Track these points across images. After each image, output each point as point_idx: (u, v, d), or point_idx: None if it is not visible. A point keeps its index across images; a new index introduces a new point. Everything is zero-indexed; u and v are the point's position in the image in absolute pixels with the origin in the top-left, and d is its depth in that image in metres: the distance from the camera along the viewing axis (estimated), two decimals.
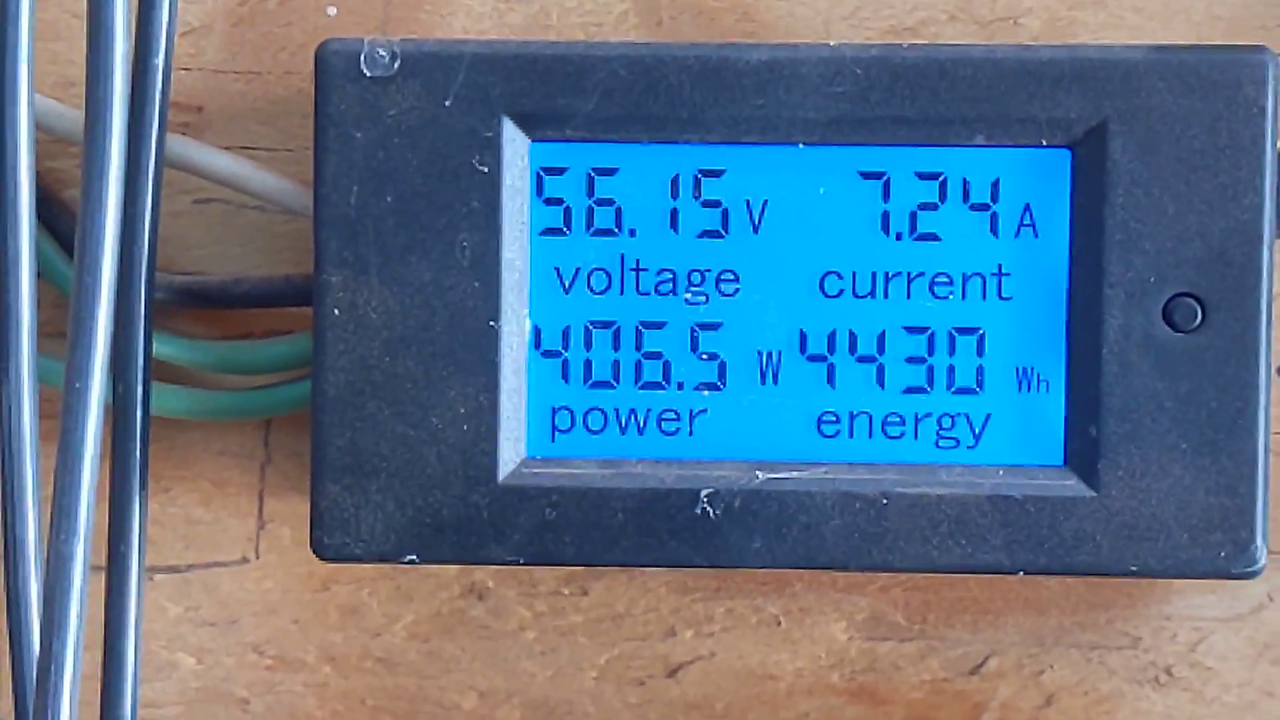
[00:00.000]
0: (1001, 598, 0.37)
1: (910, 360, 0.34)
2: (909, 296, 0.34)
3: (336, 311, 0.33)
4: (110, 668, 0.34)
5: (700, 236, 0.34)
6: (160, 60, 0.33)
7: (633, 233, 0.34)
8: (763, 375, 0.34)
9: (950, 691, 0.38)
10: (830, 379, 0.34)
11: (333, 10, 0.37)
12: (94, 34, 0.32)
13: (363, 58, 0.33)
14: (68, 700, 0.31)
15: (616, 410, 0.34)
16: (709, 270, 0.34)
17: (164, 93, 0.34)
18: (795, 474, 0.34)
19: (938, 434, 0.34)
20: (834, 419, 0.34)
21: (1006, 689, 0.38)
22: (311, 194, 0.35)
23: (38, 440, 0.34)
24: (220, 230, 0.37)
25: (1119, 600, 0.37)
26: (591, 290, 0.34)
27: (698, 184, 0.34)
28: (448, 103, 0.33)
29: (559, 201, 0.34)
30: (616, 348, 0.34)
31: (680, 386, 0.34)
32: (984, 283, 0.34)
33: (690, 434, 0.34)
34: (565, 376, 0.34)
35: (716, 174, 0.34)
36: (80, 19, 0.36)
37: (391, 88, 0.33)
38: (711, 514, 0.34)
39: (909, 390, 0.34)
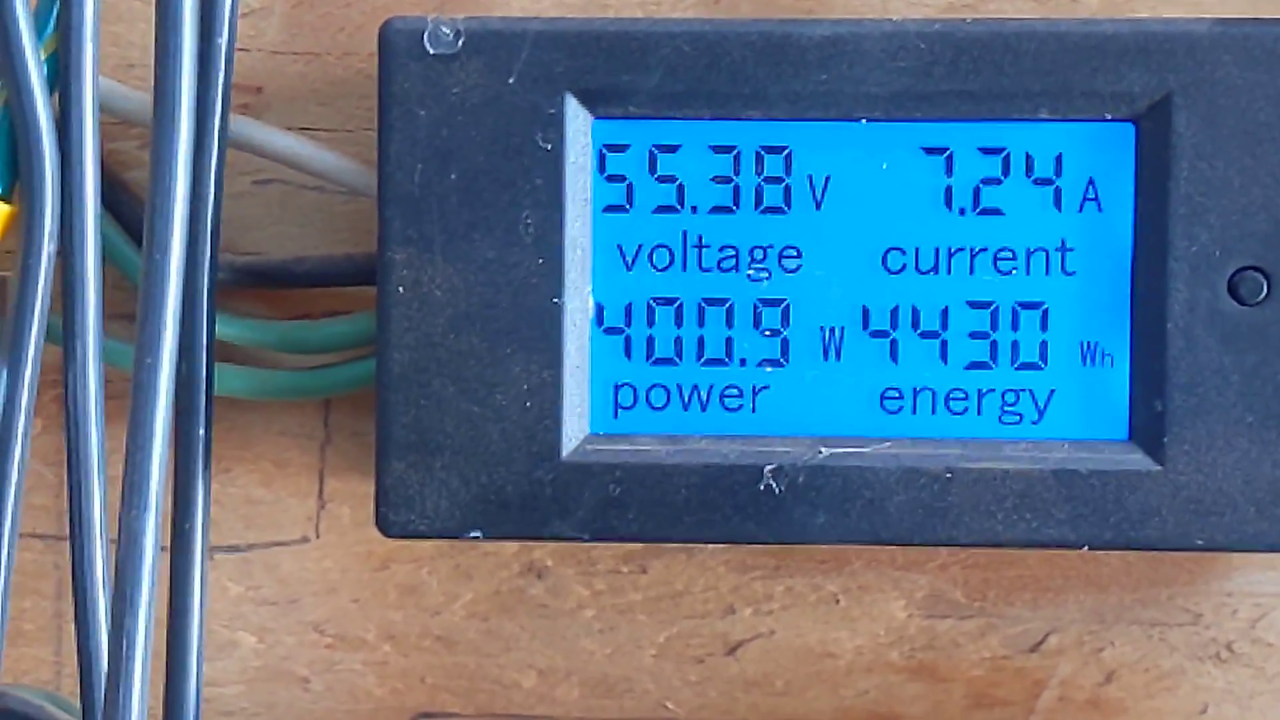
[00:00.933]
0: (1062, 574, 0.37)
1: (974, 335, 0.34)
2: (972, 272, 0.34)
3: (401, 289, 0.34)
4: (174, 646, 0.35)
5: (763, 212, 0.34)
6: (224, 40, 0.34)
7: (695, 209, 0.34)
8: (825, 351, 0.34)
9: (1010, 669, 0.38)
10: (893, 354, 0.34)
11: None
12: (162, 14, 0.32)
13: (426, 36, 0.33)
14: (139, 677, 0.32)
15: (679, 386, 0.34)
16: (771, 246, 0.34)
17: (227, 73, 0.34)
18: (859, 449, 0.34)
19: (1001, 409, 0.34)
20: (897, 394, 0.34)
21: (1067, 666, 0.38)
22: (371, 173, 0.36)
23: (103, 419, 0.34)
24: (280, 211, 0.37)
25: (1180, 577, 0.37)
26: (654, 267, 0.34)
27: (760, 160, 0.34)
28: (511, 80, 0.33)
29: (621, 178, 0.34)
30: (679, 324, 0.34)
31: (743, 363, 0.34)
32: (1048, 257, 0.34)
33: (753, 410, 0.34)
34: (628, 353, 0.34)
35: (779, 150, 0.34)
36: (140, 1, 0.37)
37: (455, 65, 0.33)
38: (775, 490, 0.34)
39: (972, 365, 0.34)
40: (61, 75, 0.33)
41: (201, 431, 0.34)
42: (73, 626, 0.35)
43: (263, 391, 0.37)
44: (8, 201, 0.34)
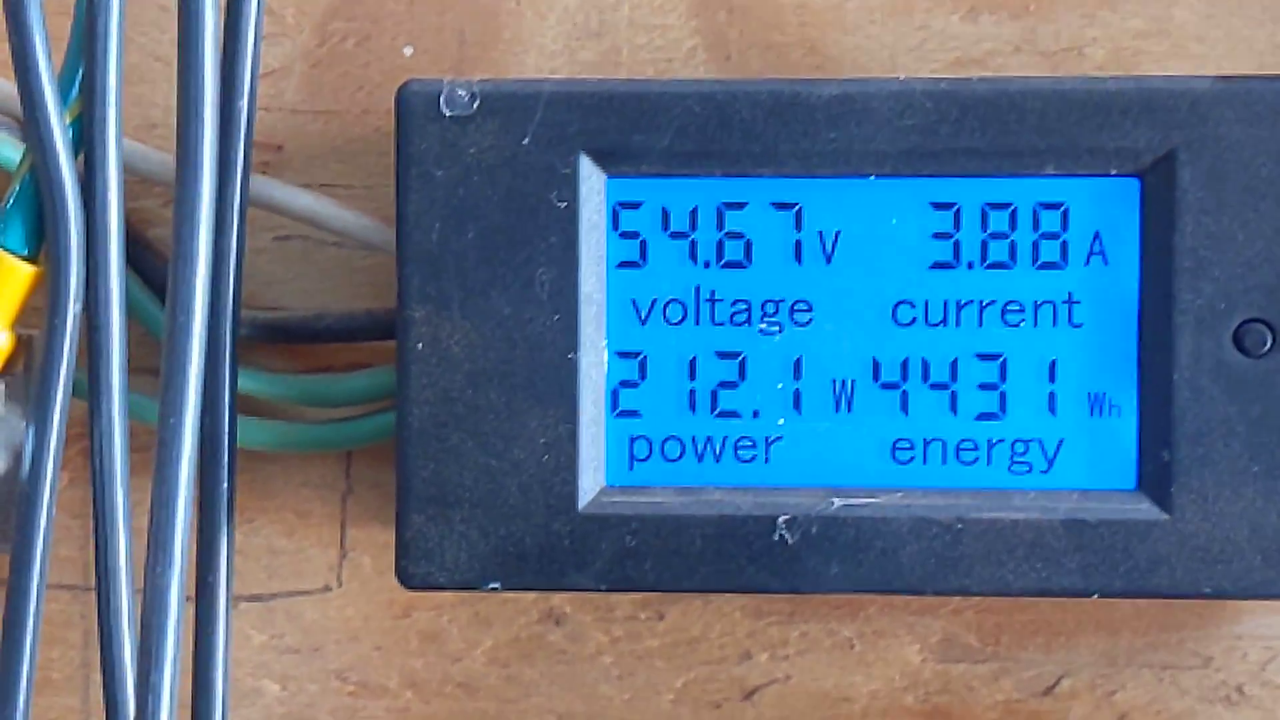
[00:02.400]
0: (1074, 619, 0.38)
1: (983, 387, 0.34)
2: (981, 324, 0.34)
3: (420, 345, 0.34)
4: (200, 696, 0.35)
5: (774, 268, 0.35)
6: (245, 102, 0.34)
7: (707, 264, 0.35)
8: (837, 403, 0.35)
9: (1024, 712, 0.38)
10: (904, 406, 0.35)
11: (409, 50, 0.38)
12: (184, 76, 0.33)
13: (442, 98, 0.34)
14: None
15: (694, 439, 0.35)
16: (783, 300, 0.35)
17: (248, 133, 0.34)
18: (870, 500, 0.34)
19: (1011, 459, 0.34)
20: (908, 445, 0.35)
21: (1080, 709, 0.38)
22: (390, 230, 0.36)
23: (128, 473, 0.35)
24: (301, 266, 0.38)
25: (1190, 621, 0.38)
26: (668, 321, 0.35)
27: (771, 216, 0.34)
28: (526, 141, 0.34)
29: (635, 235, 0.35)
30: (693, 377, 0.35)
31: (756, 415, 0.35)
32: (1055, 310, 0.34)
33: (766, 461, 0.35)
34: (643, 406, 0.35)
35: (789, 206, 0.34)
36: (162, 62, 0.37)
37: (471, 127, 0.34)
38: (788, 540, 0.34)
39: (982, 416, 0.35)
40: (86, 138, 0.34)
41: (225, 485, 0.35)
42: (99, 675, 0.35)
43: (285, 444, 0.37)
44: (34, 262, 0.35)
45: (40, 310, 0.35)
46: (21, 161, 0.35)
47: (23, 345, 0.36)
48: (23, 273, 0.35)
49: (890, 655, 0.38)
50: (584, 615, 0.38)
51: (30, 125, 0.34)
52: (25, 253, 0.35)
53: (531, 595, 0.38)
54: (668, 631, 0.38)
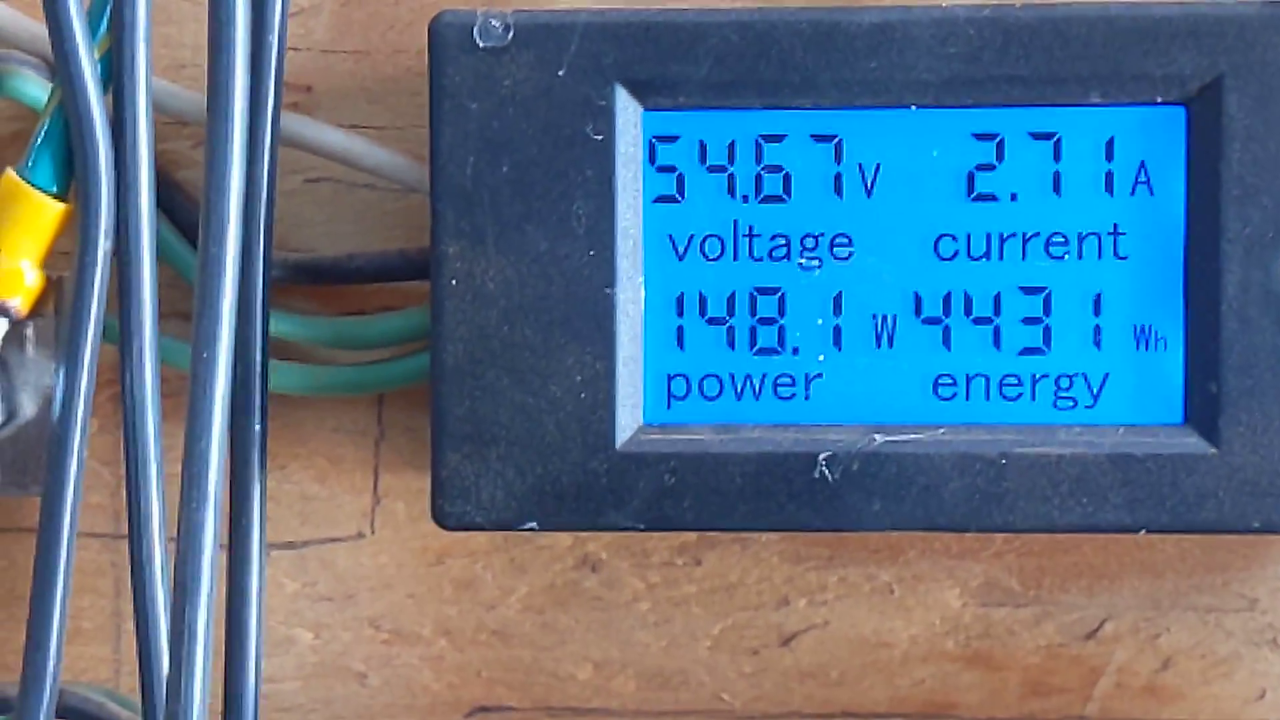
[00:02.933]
0: (1117, 561, 0.37)
1: (1026, 321, 0.34)
2: (1024, 257, 0.34)
3: (454, 282, 0.34)
4: (233, 643, 0.35)
5: (813, 201, 0.34)
6: (275, 38, 0.34)
7: (745, 199, 0.34)
8: (878, 338, 0.34)
9: (1066, 656, 0.38)
10: (946, 341, 0.34)
11: None
12: (214, 13, 0.32)
13: (476, 29, 0.34)
14: (200, 670, 0.32)
15: (732, 376, 0.34)
16: (823, 235, 0.34)
17: (278, 70, 0.34)
18: (913, 436, 0.34)
19: (1055, 394, 0.34)
20: (950, 381, 0.34)
21: (1123, 653, 0.38)
22: (422, 169, 0.36)
23: (160, 416, 0.34)
24: (331, 208, 0.38)
25: (1235, 562, 0.37)
26: (705, 257, 0.34)
27: (810, 149, 0.34)
28: (561, 72, 0.33)
29: (672, 169, 0.34)
30: (731, 314, 0.34)
31: (795, 351, 0.34)
32: (1100, 242, 0.34)
33: (806, 398, 0.34)
34: (681, 343, 0.34)
35: (829, 138, 0.34)
36: (191, 2, 0.37)
37: (505, 58, 0.34)
38: (830, 477, 0.34)
39: (1025, 351, 0.34)
40: (115, 75, 0.34)
41: (257, 428, 0.35)
42: (130, 625, 0.35)
43: (317, 388, 0.37)
44: (63, 200, 0.34)
45: (70, 254, 0.34)
46: (50, 98, 0.34)
47: (52, 287, 0.36)
48: (52, 210, 0.34)
49: (930, 600, 0.38)
50: (620, 561, 0.38)
51: (59, 60, 0.33)
52: (54, 190, 0.34)
53: (567, 541, 0.38)
54: (705, 577, 0.38)
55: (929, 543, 0.37)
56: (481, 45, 0.34)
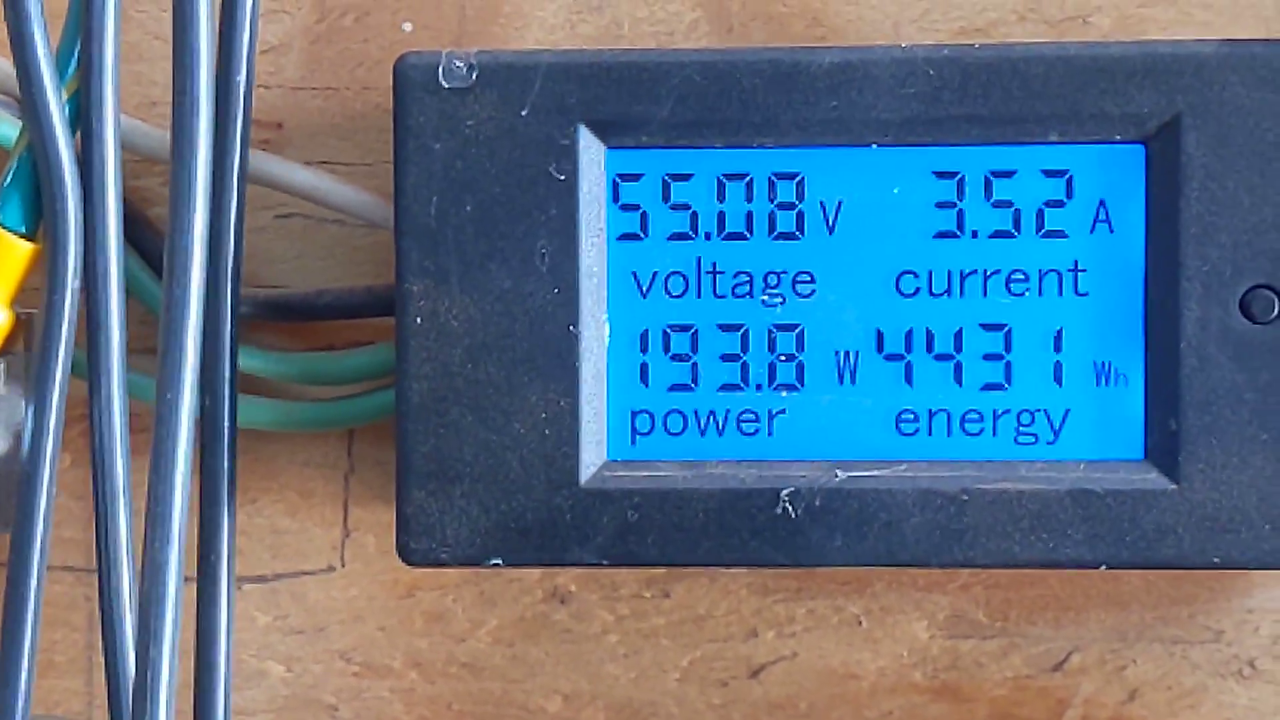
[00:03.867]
0: (1083, 594, 0.38)
1: (988, 357, 0.34)
2: (985, 294, 0.34)
3: (419, 320, 0.34)
4: (202, 676, 0.35)
5: (776, 238, 0.34)
6: (242, 78, 0.34)
7: (708, 236, 0.34)
8: (841, 375, 0.34)
9: (1033, 688, 0.38)
10: (908, 377, 0.34)
11: (408, 26, 0.37)
12: (179, 52, 0.33)
13: (441, 70, 0.34)
14: (164, 705, 0.32)
15: (696, 412, 0.35)
16: (785, 272, 0.34)
17: (246, 109, 0.34)
18: (875, 472, 0.34)
19: (1017, 430, 0.34)
20: (913, 417, 0.34)
21: (1090, 685, 0.38)
22: (391, 206, 0.36)
23: (129, 452, 0.34)
24: (301, 244, 0.38)
25: (1201, 594, 0.37)
26: (669, 294, 0.34)
27: (772, 187, 0.34)
28: (524, 112, 0.34)
29: (635, 207, 0.34)
30: (695, 350, 0.35)
31: (759, 388, 0.34)
32: (1060, 279, 0.34)
33: (770, 434, 0.34)
34: (645, 380, 0.35)
35: (791, 176, 0.34)
36: (161, 40, 0.37)
37: (469, 98, 0.34)
38: (792, 513, 0.34)
39: (987, 387, 0.34)
40: (83, 115, 0.34)
41: (226, 463, 0.35)
42: (102, 658, 0.35)
43: (286, 423, 0.37)
44: (32, 240, 0.35)
45: (40, 290, 0.34)
46: (19, 138, 0.34)
47: (22, 324, 0.36)
48: (21, 250, 0.34)
49: (898, 632, 0.38)
50: (589, 594, 0.38)
51: (27, 101, 0.33)
52: (23, 230, 0.35)
53: (536, 574, 0.38)
54: (673, 609, 0.38)
55: (896, 575, 0.38)
56: (446, 85, 0.34)
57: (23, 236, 0.35)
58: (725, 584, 0.38)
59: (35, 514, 0.34)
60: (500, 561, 0.34)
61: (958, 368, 0.34)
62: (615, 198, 0.34)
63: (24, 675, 0.35)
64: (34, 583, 0.34)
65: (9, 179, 0.34)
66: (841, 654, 0.38)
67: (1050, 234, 0.34)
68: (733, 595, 0.38)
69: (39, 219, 0.34)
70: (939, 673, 0.38)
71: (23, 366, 0.36)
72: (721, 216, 0.34)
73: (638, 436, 0.35)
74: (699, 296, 0.34)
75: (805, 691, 0.38)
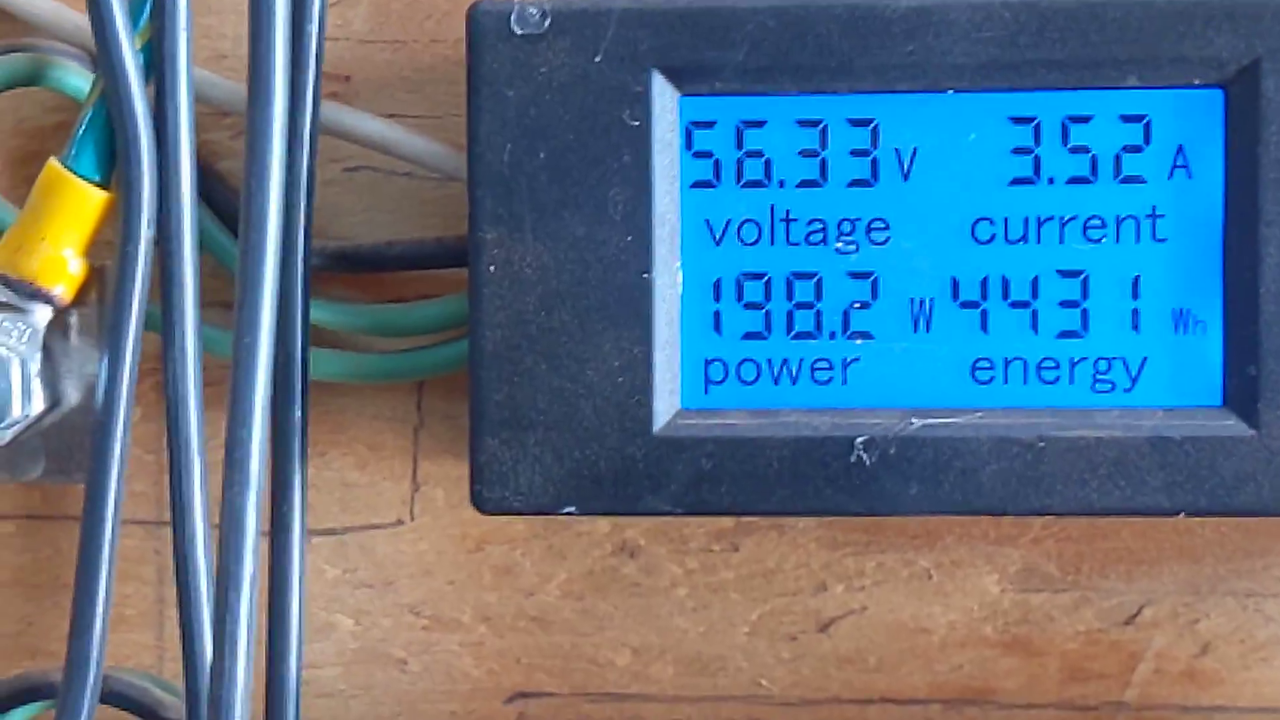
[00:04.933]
0: (1155, 546, 0.37)
1: (1064, 304, 0.34)
2: (1062, 241, 0.34)
3: (492, 268, 0.34)
4: (275, 630, 0.35)
5: (850, 186, 0.34)
6: (315, 26, 0.34)
7: (782, 184, 0.34)
8: (915, 323, 0.34)
9: (1105, 642, 0.38)
10: (984, 325, 0.34)
11: None
12: (256, 2, 0.32)
13: (513, 17, 0.34)
14: (243, 653, 0.32)
15: (769, 360, 0.34)
16: (859, 219, 0.34)
17: (318, 59, 0.34)
18: (950, 420, 0.34)
19: (1094, 377, 0.34)
20: (988, 365, 0.34)
21: (1162, 638, 0.37)
22: (460, 157, 0.36)
23: (202, 404, 0.34)
24: (370, 197, 0.38)
25: (1274, 546, 0.37)
26: (742, 242, 0.34)
27: (847, 133, 0.34)
28: (597, 59, 0.34)
29: (708, 154, 0.34)
30: (768, 298, 0.34)
31: (832, 335, 0.34)
32: (1138, 225, 0.34)
33: (844, 383, 0.34)
34: (718, 328, 0.34)
35: (865, 123, 0.34)
36: None
37: (542, 45, 0.34)
38: (867, 461, 0.34)
39: (1063, 334, 0.34)
40: (156, 65, 0.34)
41: (298, 415, 0.35)
42: (173, 611, 0.35)
43: (356, 375, 0.37)
44: (106, 189, 0.35)
45: (113, 243, 0.34)
46: (92, 89, 0.34)
47: (95, 275, 0.36)
48: (95, 198, 0.35)
49: (968, 585, 0.38)
50: (658, 547, 0.38)
51: (101, 51, 0.33)
52: (97, 179, 0.35)
53: (605, 527, 0.38)
54: (742, 563, 0.38)
55: (967, 528, 0.38)
56: (519, 32, 0.34)
57: (96, 185, 0.35)
58: (794, 537, 0.38)
59: (109, 466, 0.34)
60: (574, 510, 0.34)
61: (1034, 315, 0.34)
62: (689, 145, 0.34)
63: (98, 628, 0.35)
64: (108, 535, 0.34)
65: (83, 129, 0.34)
66: (911, 607, 0.38)
67: (1128, 180, 0.34)
68: (802, 549, 0.38)
69: (112, 169, 0.35)
70: (1010, 626, 0.38)
71: (96, 318, 0.36)
72: (795, 163, 0.34)
73: (711, 385, 0.34)
74: (772, 244, 0.34)
75: (875, 645, 0.38)
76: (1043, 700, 0.38)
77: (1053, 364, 0.34)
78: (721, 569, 0.38)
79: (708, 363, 0.35)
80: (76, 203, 0.34)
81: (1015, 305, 0.34)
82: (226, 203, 0.37)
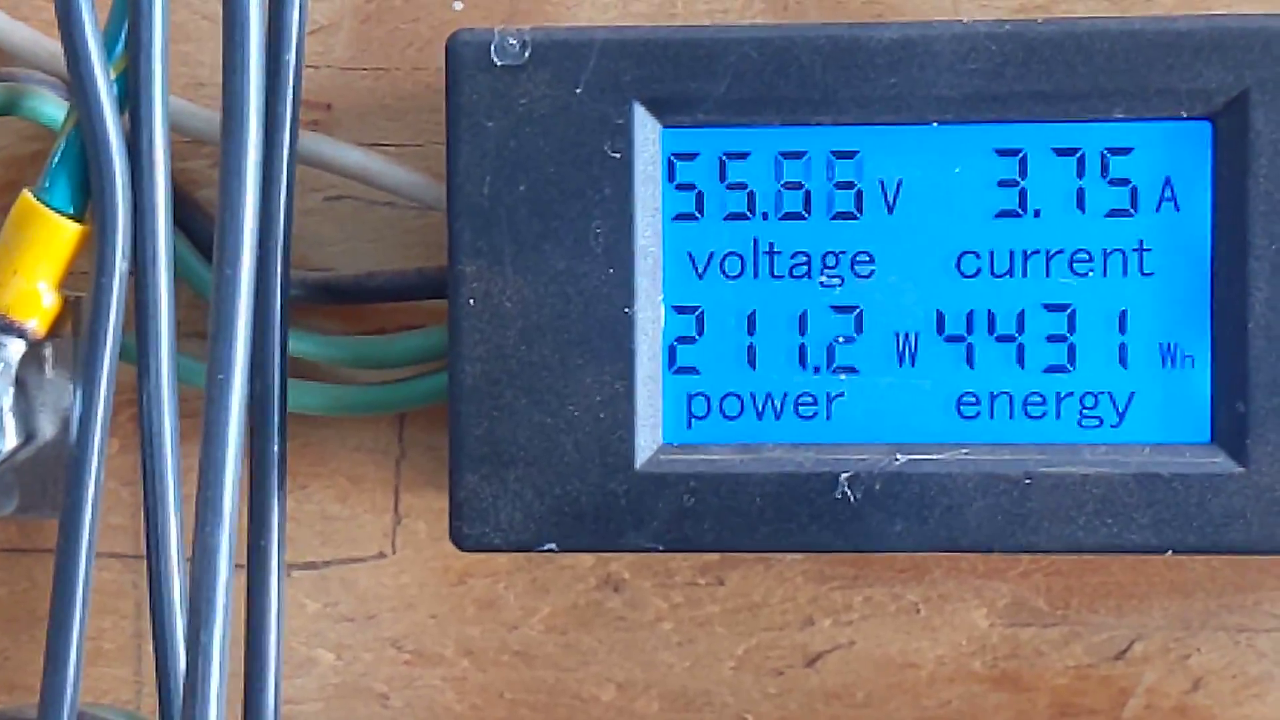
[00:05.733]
0: (1146, 581, 0.37)
1: (1051, 339, 0.34)
2: (1048, 274, 0.33)
3: (472, 301, 0.33)
4: (252, 665, 0.35)
5: (834, 218, 0.34)
6: (292, 56, 0.34)
7: (765, 216, 0.34)
8: (900, 357, 0.34)
9: (1095, 677, 0.37)
10: (969, 359, 0.34)
11: (459, 4, 0.37)
12: (230, 28, 0.32)
13: (493, 47, 0.33)
14: (215, 692, 0.32)
15: (753, 395, 0.34)
16: (844, 252, 0.34)
17: (296, 89, 0.34)
18: (936, 456, 0.33)
19: (1080, 413, 0.34)
20: (974, 400, 0.34)
21: (1153, 674, 0.37)
22: (441, 187, 0.36)
23: (178, 436, 0.34)
24: (351, 227, 0.37)
25: (1266, 581, 0.37)
26: (725, 274, 0.34)
27: (830, 165, 0.34)
28: (579, 90, 0.33)
29: (691, 186, 0.34)
30: (751, 332, 0.34)
31: (817, 370, 0.34)
32: (1125, 258, 0.33)
33: (828, 418, 0.34)
34: (701, 362, 0.34)
35: (849, 155, 0.34)
36: (208, 20, 0.37)
37: (523, 76, 0.33)
38: (851, 498, 0.33)
39: (1050, 369, 0.34)
40: (131, 94, 0.33)
41: (276, 448, 0.34)
42: (151, 646, 0.35)
43: (337, 407, 0.37)
44: (80, 221, 0.34)
45: (88, 273, 0.34)
46: (66, 119, 0.34)
47: (70, 307, 0.35)
48: (69, 231, 0.34)
49: (957, 620, 0.37)
50: (643, 581, 0.38)
51: (75, 80, 0.33)
52: (71, 211, 0.34)
53: (589, 561, 0.38)
54: (728, 597, 0.38)
55: (955, 562, 0.37)
56: (499, 63, 0.33)
57: (70, 218, 0.34)
58: (781, 571, 0.37)
59: (84, 499, 0.34)
60: (554, 546, 0.34)
61: (1020, 349, 0.34)
62: (671, 177, 0.34)
63: (73, 663, 0.34)
64: (83, 569, 0.34)
65: (56, 160, 0.34)
66: (899, 642, 0.37)
67: (1115, 213, 0.33)
68: (788, 583, 0.37)
69: (86, 200, 0.34)
70: (999, 661, 0.37)
71: (70, 350, 0.36)
72: (779, 196, 0.34)
73: (694, 420, 0.34)
74: (756, 277, 0.34)
75: (862, 680, 0.37)
76: None
77: (1039, 399, 0.34)
78: (707, 603, 0.38)
79: (690, 397, 0.34)
80: (49, 236, 0.34)
81: (1001, 339, 0.34)
82: (204, 232, 0.36)
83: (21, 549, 0.38)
